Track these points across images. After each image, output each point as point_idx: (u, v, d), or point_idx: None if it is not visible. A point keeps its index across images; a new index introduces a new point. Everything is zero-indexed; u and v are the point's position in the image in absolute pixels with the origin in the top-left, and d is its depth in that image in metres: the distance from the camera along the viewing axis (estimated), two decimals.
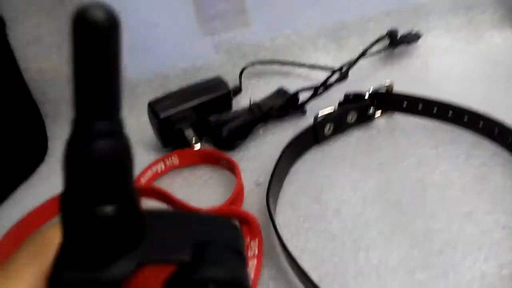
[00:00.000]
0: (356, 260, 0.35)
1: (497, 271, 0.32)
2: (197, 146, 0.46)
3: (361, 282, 0.33)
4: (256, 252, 0.36)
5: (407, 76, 0.52)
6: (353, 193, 0.40)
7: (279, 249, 0.36)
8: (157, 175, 0.45)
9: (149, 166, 0.44)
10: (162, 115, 0.45)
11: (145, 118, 0.49)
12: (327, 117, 0.44)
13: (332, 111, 0.44)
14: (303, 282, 0.33)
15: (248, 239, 0.37)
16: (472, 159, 0.41)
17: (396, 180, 0.40)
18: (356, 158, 0.43)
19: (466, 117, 0.42)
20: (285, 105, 0.50)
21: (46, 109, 0.54)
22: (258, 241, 0.36)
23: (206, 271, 0.16)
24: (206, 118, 0.47)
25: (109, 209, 0.15)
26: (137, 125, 0.52)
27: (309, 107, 0.50)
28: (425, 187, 0.39)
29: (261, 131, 0.49)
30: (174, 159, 0.46)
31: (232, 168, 0.43)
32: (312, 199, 0.40)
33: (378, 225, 0.37)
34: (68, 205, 0.15)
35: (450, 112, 0.43)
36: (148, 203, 0.41)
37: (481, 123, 0.41)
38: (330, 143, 0.46)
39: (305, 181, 0.42)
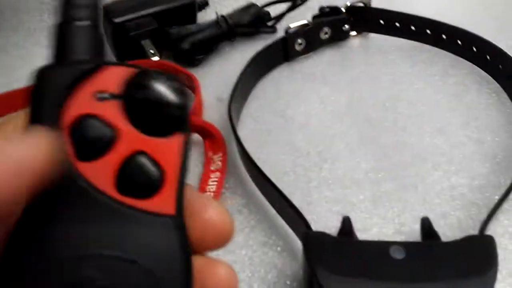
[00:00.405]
0: (320, 171, 0.32)
1: (468, 182, 0.30)
2: (155, 59, 0.42)
3: (324, 191, 0.31)
4: (220, 165, 0.33)
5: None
6: (322, 108, 0.37)
7: (239, 162, 0.34)
8: None
9: None
10: (117, 19, 0.41)
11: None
12: (299, 31, 0.41)
13: (305, 24, 0.41)
14: (264, 192, 0.31)
15: (210, 153, 0.34)
16: (448, 77, 0.38)
17: (368, 95, 0.38)
18: (327, 75, 0.41)
19: (444, 35, 0.40)
20: (254, 20, 0.46)
21: None
22: (222, 154, 0.34)
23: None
24: (167, 30, 0.44)
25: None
26: None
27: (280, 26, 0.47)
28: (398, 103, 0.37)
29: (227, 48, 0.46)
30: None
31: (190, 82, 0.40)
32: (278, 113, 0.37)
33: (346, 138, 0.35)
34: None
35: (428, 30, 0.41)
36: None
37: (459, 41, 0.39)
38: (301, 60, 0.43)
39: (271, 96, 0.39)
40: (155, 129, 0.18)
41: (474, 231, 0.26)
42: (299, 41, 0.42)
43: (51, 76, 0.17)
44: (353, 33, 0.44)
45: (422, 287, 0.21)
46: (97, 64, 0.17)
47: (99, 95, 0.17)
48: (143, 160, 0.17)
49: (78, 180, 0.16)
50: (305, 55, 0.43)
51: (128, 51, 0.42)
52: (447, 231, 0.28)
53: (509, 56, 0.35)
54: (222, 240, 0.18)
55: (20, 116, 0.17)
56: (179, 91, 0.18)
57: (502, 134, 0.33)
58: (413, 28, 0.41)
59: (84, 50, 0.18)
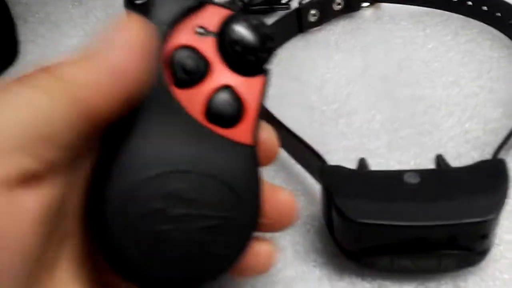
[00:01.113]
0: (336, 125, 0.33)
1: (482, 126, 0.31)
2: None
3: (341, 141, 0.32)
4: None
5: None
6: (336, 72, 0.38)
7: None
8: None
9: None
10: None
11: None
12: (313, 2, 0.42)
13: None
14: (281, 142, 0.32)
15: None
16: (460, 37, 0.39)
17: (382, 58, 0.39)
18: (341, 43, 0.42)
19: None
20: None
21: (17, 10, 0.51)
22: None
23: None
24: None
25: None
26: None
27: (293, 3, 0.48)
28: (411, 62, 0.37)
29: None
30: None
31: None
32: (293, 78, 0.39)
33: (361, 96, 0.36)
34: None
35: None
36: None
37: (469, 1, 0.40)
38: (315, 32, 0.44)
39: (286, 64, 0.40)
40: (242, 68, 0.20)
41: None
42: (313, 12, 0.43)
43: (161, 6, 0.19)
44: (365, 4, 0.45)
45: (435, 206, 0.22)
46: (201, 2, 0.19)
47: (198, 30, 0.19)
48: (230, 94, 0.19)
49: (173, 102, 0.18)
50: (319, 27, 0.44)
51: None
52: None
53: None
54: (273, 157, 0.21)
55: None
56: (268, 37, 0.20)
57: None
58: None
59: None
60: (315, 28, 0.44)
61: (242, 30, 0.19)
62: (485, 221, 0.21)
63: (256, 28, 0.19)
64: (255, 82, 0.20)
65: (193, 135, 0.18)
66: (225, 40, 0.19)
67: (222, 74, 0.19)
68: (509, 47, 0.37)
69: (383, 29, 0.42)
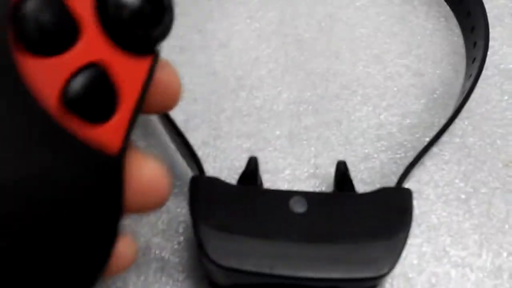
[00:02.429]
0: (235, 99, 0.28)
1: (399, 120, 0.27)
2: None
3: (236, 124, 0.27)
4: None
5: None
6: (247, 25, 0.32)
7: None
8: None
9: None
10: None
11: None
12: None
13: None
14: (164, 127, 0.26)
15: None
16: None
17: (302, 13, 0.32)
18: None
19: None
20: None
21: None
22: None
23: None
24: None
25: None
26: None
27: None
28: (334, 23, 0.32)
29: None
30: None
31: None
32: (194, 28, 0.32)
33: (271, 63, 0.30)
34: None
35: None
36: None
37: None
38: None
39: (188, 7, 0.33)
40: (126, 41, 0.14)
41: (396, 178, 0.23)
42: None
43: None
44: None
45: (319, 251, 0.18)
46: None
47: None
48: (102, 75, 0.13)
49: (13, 77, 0.12)
50: None
51: None
52: (367, 177, 0.24)
53: None
54: (171, 99, 0.17)
55: None
56: (169, 8, 0.14)
57: (445, 67, 0.29)
58: None
59: None
60: None
61: None
62: (374, 278, 0.17)
63: None
64: (140, 63, 0.14)
65: (36, 132, 0.12)
66: None
67: (95, 44, 0.13)
68: (446, 18, 0.32)
69: None
